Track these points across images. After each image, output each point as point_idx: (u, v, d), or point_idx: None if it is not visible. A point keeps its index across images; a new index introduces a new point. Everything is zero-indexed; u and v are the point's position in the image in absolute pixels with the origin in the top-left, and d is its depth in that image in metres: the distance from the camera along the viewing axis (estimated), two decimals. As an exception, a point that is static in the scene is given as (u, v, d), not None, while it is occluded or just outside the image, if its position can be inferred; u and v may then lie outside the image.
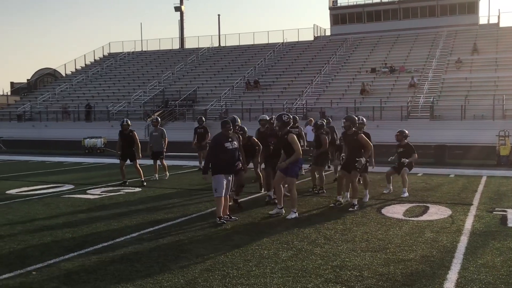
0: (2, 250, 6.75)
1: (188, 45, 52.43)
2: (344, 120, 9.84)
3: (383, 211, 9.40)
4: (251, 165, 11.29)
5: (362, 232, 7.63)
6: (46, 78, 60.46)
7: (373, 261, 6.10)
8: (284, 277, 5.54)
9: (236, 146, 8.57)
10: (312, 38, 46.30)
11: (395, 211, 9.39)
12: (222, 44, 49.35)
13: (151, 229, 7.93)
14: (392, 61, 36.22)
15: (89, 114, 35.10)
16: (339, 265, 5.95)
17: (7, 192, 12.22)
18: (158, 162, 14.95)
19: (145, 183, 13.16)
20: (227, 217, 8.48)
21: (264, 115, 14.28)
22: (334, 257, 6.27)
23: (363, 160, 9.46)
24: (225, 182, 8.30)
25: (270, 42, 46.20)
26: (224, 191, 8.30)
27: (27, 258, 6.38)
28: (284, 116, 9.32)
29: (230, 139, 8.46)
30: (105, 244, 7.02)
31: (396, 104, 28.34)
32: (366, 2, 44.85)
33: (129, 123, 13.47)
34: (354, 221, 8.44)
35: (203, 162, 16.69)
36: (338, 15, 45.52)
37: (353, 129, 9.72)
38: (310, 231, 7.70)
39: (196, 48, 48.73)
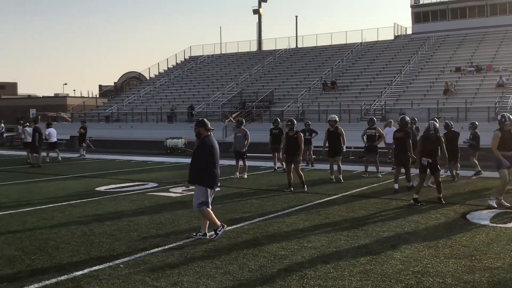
0: (92, 243, 7.20)
1: (265, 47, 52.99)
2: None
3: (468, 216, 8.99)
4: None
5: (446, 238, 7.35)
6: (131, 81, 63.60)
7: (457, 268, 5.86)
8: (363, 280, 5.47)
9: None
10: (392, 37, 45.12)
11: (481, 217, 8.95)
12: (299, 46, 49.37)
13: (230, 228, 8.10)
14: (478, 59, 34.47)
15: (173, 116, 36.32)
16: (420, 271, 5.78)
17: (96, 189, 12.99)
18: (240, 161, 15.29)
19: (219, 184, 13.42)
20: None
21: (334, 115, 14.24)
22: (416, 263, 6.09)
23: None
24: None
25: (348, 42, 45.58)
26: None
27: (115, 251, 6.76)
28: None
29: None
30: (187, 240, 7.28)
31: (483, 105, 26.95)
32: (451, -2, 43.05)
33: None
34: (437, 226, 8.15)
35: (278, 164, 17.00)
36: (420, 13, 44.03)
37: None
38: (390, 235, 7.53)
39: (273, 50, 49.08)
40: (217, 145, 7.61)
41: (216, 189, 7.63)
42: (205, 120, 7.73)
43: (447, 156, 10.95)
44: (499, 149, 9.77)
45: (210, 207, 7.47)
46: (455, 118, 26.50)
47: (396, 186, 12.15)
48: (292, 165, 12.19)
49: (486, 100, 27.84)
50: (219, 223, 7.48)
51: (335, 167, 14.22)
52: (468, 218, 8.83)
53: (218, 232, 7.40)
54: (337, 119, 14.10)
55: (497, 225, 8.26)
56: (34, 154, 19.80)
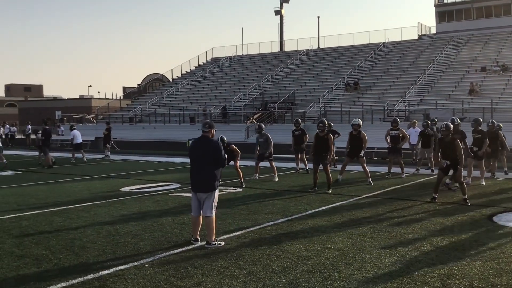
0: (118, 243, 7.30)
1: (287, 48, 52.95)
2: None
3: (495, 218, 8.84)
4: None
5: (472, 240, 7.24)
6: (154, 83, 64.22)
7: (484, 271, 5.77)
8: (388, 283, 5.43)
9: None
10: (416, 37, 44.62)
11: (508, 219, 8.78)
12: (321, 46, 49.19)
13: (253, 228, 8.13)
14: (504, 59, 33.84)
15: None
16: (446, 273, 5.71)
17: (121, 189, 13.15)
18: (261, 163, 15.29)
19: (244, 184, 13.45)
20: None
21: (357, 120, 14.06)
22: (441, 265, 6.01)
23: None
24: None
25: (370, 42, 45.26)
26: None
27: (140, 251, 6.84)
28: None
29: None
30: (210, 241, 7.31)
31: (510, 105, 26.44)
32: (475, -3, 42.36)
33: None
34: (462, 228, 8.03)
35: (300, 165, 16.94)
36: (445, 12, 43.44)
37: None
38: (415, 237, 7.45)
39: (295, 50, 49.01)
40: (203, 146, 7.31)
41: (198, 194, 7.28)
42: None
43: (463, 157, 10.50)
44: None
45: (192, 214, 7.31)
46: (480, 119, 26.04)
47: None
48: (320, 166, 12.18)
49: (512, 100, 27.32)
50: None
51: (360, 169, 14.10)
52: (494, 220, 8.68)
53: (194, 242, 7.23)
54: (361, 123, 13.97)
55: (525, 227, 8.10)
56: (42, 154, 20.29)
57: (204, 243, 7.12)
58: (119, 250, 6.89)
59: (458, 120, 13.50)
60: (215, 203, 7.22)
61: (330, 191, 11.97)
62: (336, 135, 18.08)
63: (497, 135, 14.30)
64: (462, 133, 13.06)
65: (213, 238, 7.12)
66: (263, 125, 15.79)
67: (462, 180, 10.67)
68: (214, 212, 7.18)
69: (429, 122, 16.45)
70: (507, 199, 10.98)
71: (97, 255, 6.64)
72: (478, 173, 13.57)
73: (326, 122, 12.61)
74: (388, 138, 15.52)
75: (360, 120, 14.18)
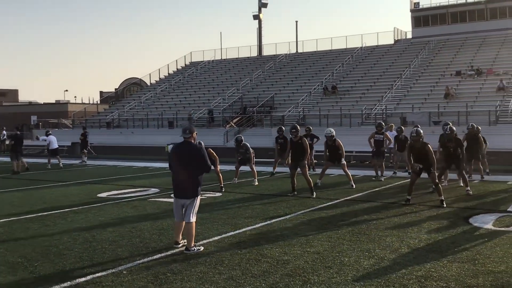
0: (95, 249, 7.20)
1: (266, 52, 53.12)
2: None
3: (471, 220, 8.99)
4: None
5: (448, 242, 7.35)
6: (132, 87, 63.71)
7: (461, 272, 5.85)
8: (367, 285, 5.46)
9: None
10: (392, 42, 45.22)
11: (484, 220, 8.93)
12: (300, 50, 49.47)
13: (232, 233, 8.11)
14: (478, 63, 34.52)
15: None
16: (424, 275, 5.77)
17: (98, 195, 12.99)
18: (240, 168, 15.30)
19: (223, 189, 13.43)
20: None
21: (330, 130, 14.04)
22: (419, 267, 6.08)
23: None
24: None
25: (348, 47, 45.69)
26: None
27: (118, 258, 6.75)
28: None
29: None
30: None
31: (484, 108, 26.94)
32: (450, 3, 43.16)
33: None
34: (439, 230, 8.14)
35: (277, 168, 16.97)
36: (420, 17, 44.13)
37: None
38: (393, 240, 7.52)
39: (274, 55, 49.20)
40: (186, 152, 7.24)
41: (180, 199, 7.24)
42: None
43: (435, 161, 10.64)
44: None
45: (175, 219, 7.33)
46: (456, 122, 26.49)
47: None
48: (298, 170, 12.23)
49: (486, 103, 27.85)
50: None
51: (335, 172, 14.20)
52: (471, 222, 8.82)
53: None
54: (334, 133, 14.00)
55: (500, 228, 8.25)
56: (15, 161, 19.78)
57: (183, 248, 7.07)
58: (97, 257, 6.79)
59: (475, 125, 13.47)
60: (196, 208, 7.18)
61: (314, 195, 11.99)
62: (316, 139, 18.17)
63: (477, 138, 14.53)
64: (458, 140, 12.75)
65: (192, 244, 7.07)
66: (242, 137, 15.70)
67: (438, 181, 10.84)
68: (195, 218, 7.15)
69: (402, 128, 16.69)
70: (483, 201, 11.18)
71: (74, 262, 6.54)
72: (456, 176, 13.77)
73: (299, 127, 12.59)
74: (372, 141, 15.66)
75: (332, 130, 14.12)
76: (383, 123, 16.35)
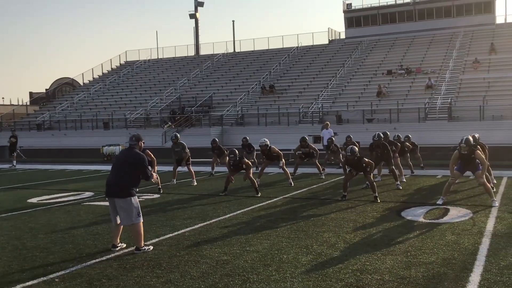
0: (25, 257, 6.85)
1: (203, 51, 52.83)
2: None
3: (403, 213, 9.34)
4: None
5: (382, 236, 7.59)
6: (64, 87, 61.40)
7: (394, 265, 6.05)
8: (305, 281, 5.53)
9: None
10: (327, 42, 46.26)
11: (415, 213, 9.31)
12: (237, 50, 49.59)
13: (171, 235, 7.98)
14: (408, 62, 36.01)
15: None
16: (359, 268, 5.92)
17: (29, 200, 12.40)
18: (178, 168, 15.13)
19: (161, 190, 13.22)
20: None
21: (264, 140, 14.13)
22: (355, 261, 6.24)
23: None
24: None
25: (284, 46, 46.30)
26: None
27: (49, 265, 6.46)
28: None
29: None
30: (126, 251, 7.07)
31: (414, 106, 28.16)
32: (381, 4, 44.71)
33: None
34: (373, 225, 8.40)
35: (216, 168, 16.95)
36: (353, 18, 45.42)
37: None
38: (330, 235, 7.67)
39: (211, 54, 49.03)
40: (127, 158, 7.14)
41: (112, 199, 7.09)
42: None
43: (372, 167, 11.41)
44: None
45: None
46: (388, 119, 27.54)
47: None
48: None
49: (416, 101, 29.11)
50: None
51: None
52: (403, 215, 9.17)
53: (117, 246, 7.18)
54: (268, 142, 14.14)
55: (430, 221, 8.62)
56: None
57: (121, 252, 6.88)
58: (27, 265, 6.47)
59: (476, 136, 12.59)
60: (136, 210, 7.00)
61: (259, 195, 12.05)
62: (252, 149, 17.69)
63: (384, 145, 14.28)
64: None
65: (142, 243, 7.00)
66: (178, 135, 15.55)
67: (373, 179, 11.25)
68: (140, 219, 7.02)
69: (400, 135, 15.63)
70: (413, 195, 11.66)
71: (2, 271, 6.19)
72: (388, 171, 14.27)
73: (237, 152, 12.31)
74: (297, 154, 15.84)
75: (266, 140, 14.25)
76: (307, 137, 16.32)
